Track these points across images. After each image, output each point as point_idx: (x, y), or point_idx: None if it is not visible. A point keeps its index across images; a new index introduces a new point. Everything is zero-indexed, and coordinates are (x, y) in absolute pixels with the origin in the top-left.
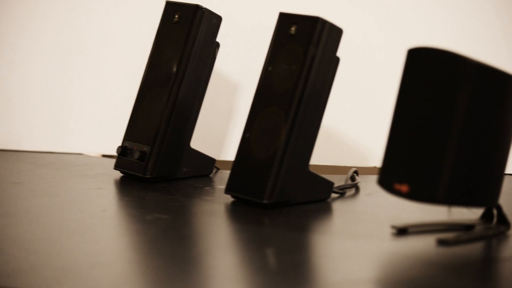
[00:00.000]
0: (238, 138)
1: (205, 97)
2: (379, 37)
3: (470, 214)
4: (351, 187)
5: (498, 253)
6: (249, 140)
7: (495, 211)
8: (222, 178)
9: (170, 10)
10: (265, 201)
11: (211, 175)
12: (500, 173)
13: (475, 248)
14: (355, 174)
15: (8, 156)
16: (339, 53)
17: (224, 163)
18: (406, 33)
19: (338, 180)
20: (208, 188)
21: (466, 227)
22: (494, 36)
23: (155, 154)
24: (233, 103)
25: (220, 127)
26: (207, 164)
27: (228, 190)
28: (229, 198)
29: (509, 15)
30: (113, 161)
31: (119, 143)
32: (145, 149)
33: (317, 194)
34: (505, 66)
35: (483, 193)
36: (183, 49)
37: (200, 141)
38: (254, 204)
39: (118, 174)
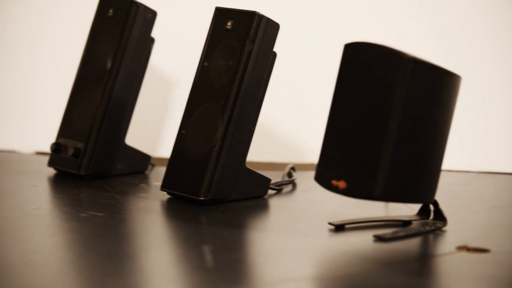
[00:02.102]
0: (174, 134)
1: (140, 93)
2: (316, 32)
3: (407, 210)
4: (288, 183)
5: (434, 248)
6: (185, 136)
7: (431, 207)
8: (157, 175)
9: (104, 4)
10: (202, 198)
11: (146, 172)
12: (437, 169)
13: (412, 244)
14: (292, 171)
15: None
16: (275, 48)
17: (160, 160)
18: (343, 28)
19: (275, 177)
20: (143, 185)
21: (403, 223)
22: (423, 30)
23: (89, 151)
24: (169, 99)
25: (156, 123)
26: (142, 161)
27: (164, 187)
28: (165, 195)
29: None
30: (47, 158)
31: (53, 140)
32: (79, 145)
33: (254, 191)
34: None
35: (420, 189)
36: (117, 45)
37: (135, 138)
38: (190, 201)
39: (52, 172)
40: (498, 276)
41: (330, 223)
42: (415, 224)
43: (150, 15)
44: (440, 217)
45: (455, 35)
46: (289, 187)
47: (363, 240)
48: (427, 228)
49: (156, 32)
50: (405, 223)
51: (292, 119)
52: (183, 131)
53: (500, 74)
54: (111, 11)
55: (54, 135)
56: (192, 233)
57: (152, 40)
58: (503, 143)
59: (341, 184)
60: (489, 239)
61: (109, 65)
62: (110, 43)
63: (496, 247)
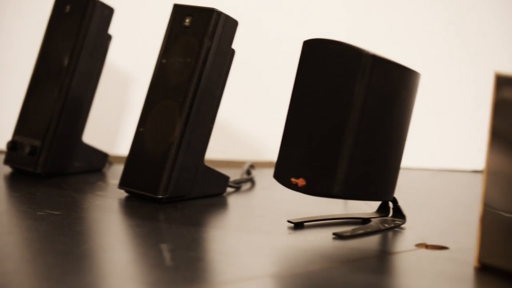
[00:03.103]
0: (132, 132)
1: (97, 90)
2: (275, 29)
3: (366, 207)
4: (247, 181)
5: (393, 246)
6: (143, 134)
7: (391, 205)
8: (115, 173)
9: (61, 1)
10: (160, 196)
11: (104, 170)
12: (396, 167)
13: (371, 242)
14: (250, 168)
15: None
16: (234, 45)
17: (118, 157)
18: (301, 25)
19: (234, 174)
20: (101, 183)
21: (362, 221)
22: (382, 27)
23: (46, 149)
24: (127, 97)
25: (113, 121)
26: (99, 158)
27: (121, 185)
28: (122, 193)
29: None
30: (3, 156)
31: (9, 138)
32: (36, 143)
33: (213, 189)
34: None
35: (380, 186)
36: (74, 41)
37: (92, 136)
38: (148, 199)
39: (8, 170)
40: (456, 273)
41: (289, 221)
42: (374, 222)
43: (107, 12)
44: (399, 214)
45: (413, 32)
46: (248, 185)
47: (322, 238)
48: (386, 225)
49: (113, 29)
50: (364, 220)
51: (251, 116)
52: (141, 129)
53: (458, 71)
54: (67, 7)
55: (10, 133)
56: (150, 232)
57: (109, 37)
58: (462, 141)
59: (300, 181)
60: (448, 236)
61: (66, 62)
62: (67, 40)
63: (455, 244)
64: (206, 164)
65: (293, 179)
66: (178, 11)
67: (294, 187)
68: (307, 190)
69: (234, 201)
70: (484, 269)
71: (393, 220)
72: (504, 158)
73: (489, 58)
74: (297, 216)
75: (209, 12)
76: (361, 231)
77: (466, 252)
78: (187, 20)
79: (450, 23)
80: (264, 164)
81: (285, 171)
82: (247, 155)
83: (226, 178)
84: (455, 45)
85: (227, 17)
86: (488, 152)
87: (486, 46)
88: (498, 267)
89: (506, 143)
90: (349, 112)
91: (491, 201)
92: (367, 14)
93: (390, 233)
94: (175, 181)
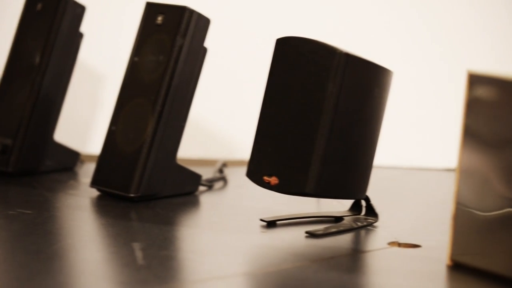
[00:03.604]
0: (104, 130)
1: (69, 88)
2: (247, 27)
3: (339, 206)
4: (219, 179)
5: (366, 244)
6: (115, 132)
7: (363, 203)
8: (87, 171)
9: None
10: (132, 195)
11: (75, 168)
12: (369, 165)
13: (344, 240)
14: (223, 167)
15: None
16: (206, 44)
17: (90, 156)
18: (274, 23)
19: (206, 173)
20: (72, 181)
21: (335, 219)
22: (355, 24)
23: (17, 147)
24: (99, 95)
25: (85, 119)
26: (71, 157)
27: (93, 184)
28: (94, 192)
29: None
30: None
31: None
32: (7, 142)
33: (185, 187)
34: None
35: (352, 185)
36: (46, 40)
37: (64, 134)
38: (120, 198)
39: None
40: (429, 271)
41: (261, 220)
42: (347, 220)
43: (79, 10)
44: (371, 212)
45: (386, 30)
46: (220, 183)
47: (294, 236)
48: (359, 223)
49: (85, 27)
50: (337, 219)
51: (223, 115)
52: (113, 127)
53: (431, 69)
54: (39, 5)
55: None
56: (122, 230)
57: (81, 35)
58: (435, 139)
59: (273, 180)
60: (420, 235)
61: (37, 60)
62: (39, 38)
63: (427, 243)
64: (178, 162)
65: (265, 178)
66: (151, 9)
67: (267, 186)
68: (280, 188)
69: (207, 199)
70: (456, 267)
71: (366, 219)
72: (477, 157)
73: (462, 56)
74: (270, 215)
75: (182, 10)
76: (333, 230)
77: (438, 250)
78: (160, 18)
79: (422, 20)
80: (237, 163)
81: (258, 169)
82: (219, 154)
83: (198, 176)
84: (429, 43)
85: (200, 15)
86: (460, 150)
87: (459, 44)
88: (470, 265)
89: (479, 141)
90: (322, 110)
91: (463, 199)
92: (340, 12)
93: (362, 232)
94: (147, 180)
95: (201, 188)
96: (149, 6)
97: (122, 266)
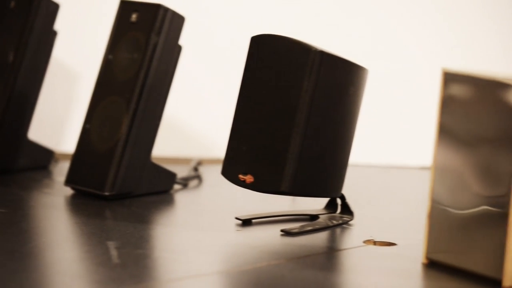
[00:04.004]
0: (79, 129)
1: (43, 87)
2: (222, 25)
3: (314, 204)
4: (194, 178)
5: (341, 242)
6: (90, 130)
7: (339, 201)
8: (61, 170)
9: None
10: (106, 193)
11: (50, 167)
12: (344, 163)
13: (319, 238)
14: (198, 165)
15: None
16: (181, 41)
17: (64, 154)
18: (249, 21)
19: (181, 171)
20: (47, 180)
21: (310, 217)
22: (330, 22)
23: None
24: (73, 93)
25: (59, 117)
26: (45, 155)
27: (68, 182)
28: (69, 191)
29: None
30: None
31: None
32: None
33: (160, 185)
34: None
35: (328, 183)
36: (19, 38)
37: (38, 132)
38: (95, 196)
39: None
40: (404, 269)
41: (237, 218)
42: (322, 218)
43: (52, 8)
44: (347, 211)
45: (361, 28)
46: (195, 181)
47: (270, 235)
48: (334, 222)
49: (59, 25)
50: (312, 217)
51: (198, 113)
52: (88, 125)
53: (407, 67)
54: (12, 3)
55: None
56: (97, 229)
57: (54, 33)
58: (410, 138)
59: (248, 178)
60: (396, 233)
61: (11, 58)
62: (12, 36)
63: (403, 241)
64: (153, 161)
65: (241, 176)
66: (125, 6)
67: (242, 184)
68: (255, 187)
69: (181, 198)
70: (431, 265)
71: (341, 217)
72: (452, 154)
73: (437, 54)
74: (245, 213)
75: (156, 8)
76: (309, 228)
77: (414, 248)
78: (134, 16)
79: (397, 19)
80: (212, 161)
81: (233, 167)
82: (194, 152)
83: (173, 175)
84: (404, 41)
85: (174, 13)
86: (435, 148)
87: (434, 42)
88: (445, 262)
89: (454, 139)
90: (297, 108)
91: (438, 197)
92: (315, 10)
93: (338, 230)
94: (121, 178)
95: (176, 186)
96: (123, 4)
97: (97, 265)
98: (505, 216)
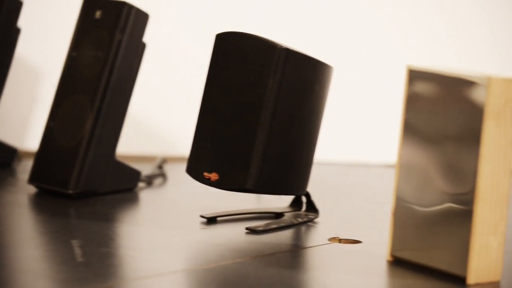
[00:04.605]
0: (43, 126)
1: (6, 84)
2: (186, 22)
3: (280, 202)
4: (159, 176)
5: (307, 240)
6: (53, 128)
7: (304, 199)
8: (25, 168)
9: None
10: (71, 191)
11: (13, 165)
12: (309, 161)
13: (285, 236)
14: (162, 163)
15: None
16: (145, 39)
17: (28, 152)
18: (215, 17)
19: (146, 169)
20: (10, 178)
21: (275, 215)
22: (295, 20)
23: None
24: (37, 91)
25: (23, 115)
26: (9, 153)
27: (31, 180)
28: (32, 189)
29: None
30: None
31: None
32: None
33: (124, 183)
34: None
35: (293, 181)
36: None
37: (1, 130)
38: (59, 195)
39: None
40: (369, 266)
41: (202, 216)
42: (287, 216)
43: (16, 5)
44: (312, 208)
45: (326, 25)
46: (160, 179)
47: (235, 233)
48: (300, 219)
49: (22, 22)
50: (277, 215)
51: (163, 110)
52: (51, 123)
53: (371, 65)
54: None
55: None
56: (61, 227)
57: (18, 31)
58: (375, 135)
59: (213, 176)
60: (361, 230)
61: None
62: None
63: (368, 238)
64: (118, 158)
65: (206, 174)
66: (89, 3)
67: (207, 182)
68: (220, 184)
69: (146, 196)
70: (396, 263)
71: (306, 215)
72: (416, 152)
73: (402, 51)
74: (210, 211)
75: (120, 5)
76: (274, 226)
77: (378, 245)
78: (98, 13)
79: (362, 16)
80: (177, 159)
81: (198, 165)
82: (159, 150)
83: (137, 173)
84: (368, 38)
85: (138, 11)
86: (400, 145)
87: (399, 39)
88: (410, 260)
89: (418, 136)
90: (262, 106)
91: (403, 194)
92: (280, 7)
93: (303, 228)
94: (86, 176)
95: (141, 184)
96: (87, 1)
97: (61, 264)
98: (469, 213)
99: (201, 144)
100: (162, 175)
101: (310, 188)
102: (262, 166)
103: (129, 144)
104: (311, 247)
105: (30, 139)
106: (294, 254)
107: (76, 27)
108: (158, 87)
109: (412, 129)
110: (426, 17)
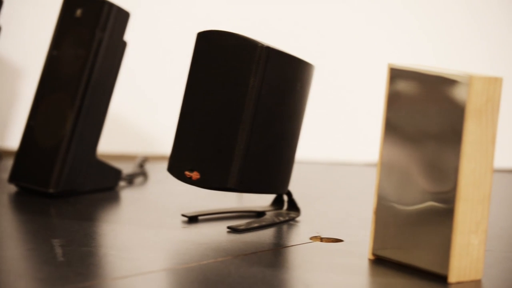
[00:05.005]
0: (23, 125)
1: None
2: (168, 20)
3: (261, 200)
4: (140, 174)
5: (288, 239)
6: (34, 127)
7: (285, 198)
8: (5, 167)
9: None
10: (51, 190)
11: None
12: (291, 160)
13: (266, 235)
14: (143, 162)
15: None
16: (126, 37)
17: (8, 151)
18: (196, 16)
19: (127, 168)
20: None
21: (257, 214)
22: (278, 18)
23: None
24: (17, 89)
25: (3, 114)
26: None
27: (11, 179)
28: (13, 188)
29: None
30: None
31: None
32: None
33: (105, 182)
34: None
35: (274, 179)
36: None
37: None
38: (39, 194)
39: None
40: (351, 265)
41: (183, 215)
42: (269, 215)
43: None
44: (293, 207)
45: (307, 23)
46: (141, 178)
47: (216, 232)
48: (281, 218)
49: (3, 20)
50: (259, 214)
51: (144, 109)
52: (32, 122)
53: (353, 63)
54: None
55: None
56: (42, 227)
57: None
58: (356, 134)
59: (194, 175)
60: (342, 229)
61: None
62: None
63: (349, 237)
64: (98, 157)
65: (187, 173)
66: (69, 2)
67: (188, 181)
68: (202, 183)
69: (127, 195)
70: (378, 261)
71: (288, 213)
72: (397, 151)
73: (384, 49)
74: (191, 210)
75: (101, 4)
76: (255, 225)
77: (360, 244)
78: (79, 11)
79: (343, 15)
80: (158, 158)
81: (179, 164)
82: (140, 148)
83: (118, 171)
84: (350, 36)
85: (119, 9)
86: (381, 144)
87: (380, 38)
88: (392, 258)
89: (399, 135)
90: (244, 104)
91: (384, 193)
92: (261, 6)
93: (284, 226)
94: (66, 175)
95: (122, 183)
96: None
97: (42, 263)
98: (450, 212)
99: (183, 142)
100: (143, 174)
101: (291, 187)
102: (243, 165)
103: (110, 143)
104: (292, 245)
105: (11, 138)
106: (276, 253)
107: (56, 26)
108: (139, 85)
109: (393, 128)
110: (407, 16)
